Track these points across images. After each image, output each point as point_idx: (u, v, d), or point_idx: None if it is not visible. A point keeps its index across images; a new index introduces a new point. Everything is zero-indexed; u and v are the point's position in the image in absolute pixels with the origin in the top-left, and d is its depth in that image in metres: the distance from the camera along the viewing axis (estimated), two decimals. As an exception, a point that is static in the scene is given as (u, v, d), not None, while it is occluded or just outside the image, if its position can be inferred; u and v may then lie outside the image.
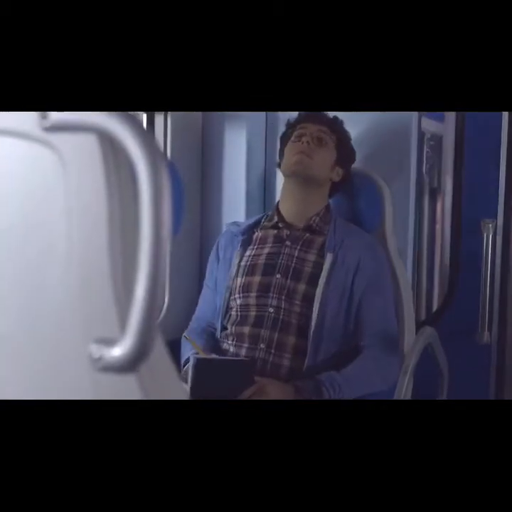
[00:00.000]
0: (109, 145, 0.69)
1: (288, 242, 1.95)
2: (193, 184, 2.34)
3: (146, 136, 0.66)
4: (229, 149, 2.35)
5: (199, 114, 2.36)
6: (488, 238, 2.10)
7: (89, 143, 0.68)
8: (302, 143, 1.96)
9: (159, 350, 0.71)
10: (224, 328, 1.96)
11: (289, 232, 1.96)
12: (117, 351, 0.66)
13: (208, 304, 2.05)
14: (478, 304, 2.12)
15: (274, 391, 1.73)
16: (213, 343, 1.97)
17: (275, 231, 1.99)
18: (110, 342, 0.67)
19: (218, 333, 1.97)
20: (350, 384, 1.79)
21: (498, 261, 2.13)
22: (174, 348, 1.82)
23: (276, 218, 2.00)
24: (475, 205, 2.21)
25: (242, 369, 1.79)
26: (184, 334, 1.96)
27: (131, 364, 0.66)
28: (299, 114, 2.03)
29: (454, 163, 2.22)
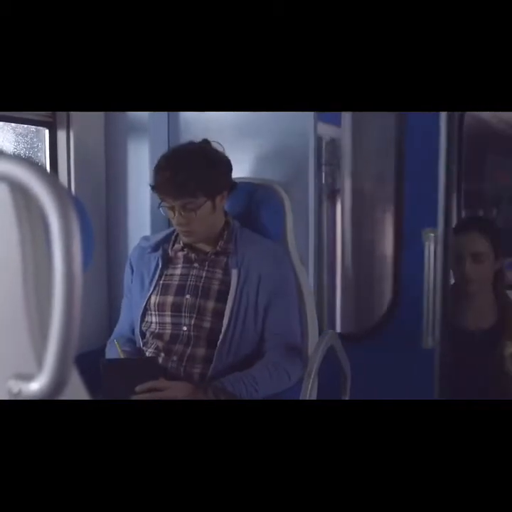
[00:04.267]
0: (19, 191, 0.72)
1: (196, 264, 2.04)
2: (98, 203, 2.37)
3: (52, 180, 0.70)
4: (132, 161, 2.38)
5: (102, 124, 2.38)
6: (429, 247, 2.16)
7: (0, 192, 0.71)
8: (174, 216, 1.97)
9: (76, 384, 0.76)
10: (143, 336, 2.05)
11: (196, 256, 2.03)
12: (34, 386, 0.71)
13: (129, 313, 2.13)
14: (421, 310, 2.20)
15: (180, 391, 1.85)
16: (136, 352, 2.06)
17: (185, 252, 2.06)
18: (28, 377, 0.71)
19: (139, 342, 2.05)
20: (252, 382, 1.90)
21: (439, 269, 2.19)
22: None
23: (182, 243, 2.06)
24: (416, 214, 2.27)
25: (148, 366, 1.93)
26: (113, 339, 2.06)
27: (48, 398, 0.70)
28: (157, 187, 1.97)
29: (396, 170, 2.23)
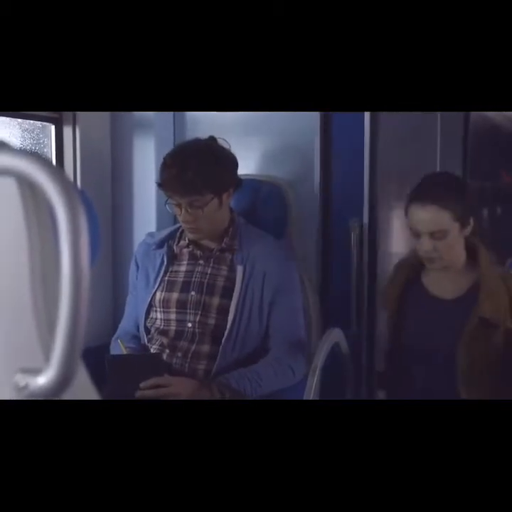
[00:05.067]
0: (27, 185, 0.73)
1: (201, 261, 2.05)
2: (104, 200, 2.37)
3: (59, 174, 0.70)
4: (138, 158, 2.39)
5: (107, 121, 2.38)
6: (355, 237, 2.21)
7: (8, 186, 0.72)
8: (180, 213, 1.97)
9: (82, 378, 0.76)
10: (148, 332, 2.04)
11: (201, 253, 2.04)
12: (42, 380, 0.71)
13: (134, 309, 2.14)
14: (349, 298, 2.24)
15: (184, 387, 1.86)
16: (141, 349, 2.07)
17: (190, 249, 2.06)
18: (35, 371, 0.71)
19: (144, 339, 2.04)
20: (257, 379, 1.91)
21: (365, 258, 2.24)
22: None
23: (187, 240, 2.06)
24: (343, 204, 2.28)
25: (152, 362, 1.94)
26: (117, 337, 2.06)
27: (55, 392, 0.71)
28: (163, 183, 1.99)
29: (321, 162, 2.26)
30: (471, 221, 1.94)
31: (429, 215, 1.88)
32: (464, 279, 1.99)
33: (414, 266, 2.04)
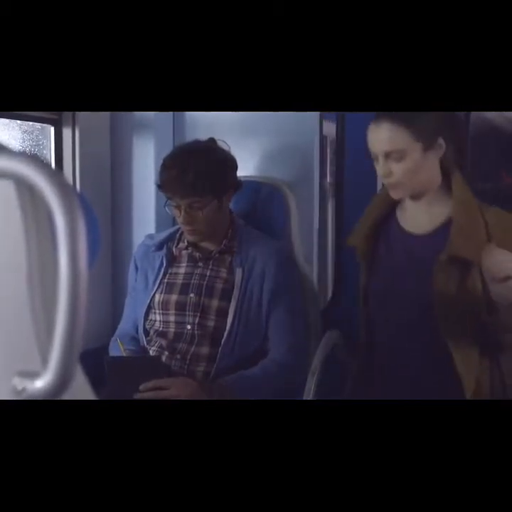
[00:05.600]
0: (25, 188, 0.72)
1: (200, 263, 2.05)
2: (103, 201, 2.37)
3: (58, 177, 0.69)
4: (137, 159, 2.38)
5: (107, 122, 2.38)
6: None
7: (6, 188, 0.71)
8: (180, 215, 1.97)
9: (80, 381, 0.76)
10: (147, 334, 2.04)
11: (200, 255, 2.03)
12: (39, 383, 0.71)
13: (133, 311, 2.14)
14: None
15: (184, 389, 1.86)
16: (140, 350, 2.07)
17: (189, 251, 2.05)
18: (32, 374, 0.71)
19: (143, 341, 2.04)
20: (256, 381, 1.92)
21: None
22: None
23: (186, 242, 2.06)
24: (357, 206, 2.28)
25: (151, 364, 1.94)
26: (116, 338, 2.06)
27: (53, 395, 0.70)
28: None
29: (335, 164, 2.24)
30: (442, 142, 1.68)
31: (383, 133, 1.66)
32: (440, 210, 1.74)
33: (388, 200, 1.80)
